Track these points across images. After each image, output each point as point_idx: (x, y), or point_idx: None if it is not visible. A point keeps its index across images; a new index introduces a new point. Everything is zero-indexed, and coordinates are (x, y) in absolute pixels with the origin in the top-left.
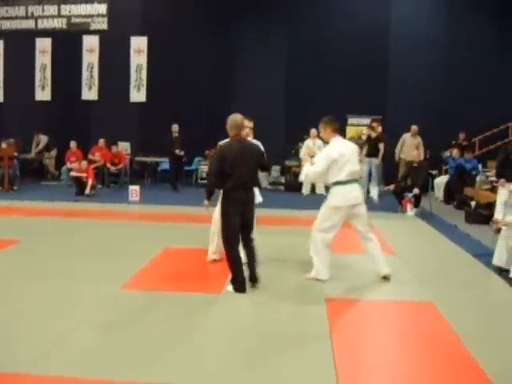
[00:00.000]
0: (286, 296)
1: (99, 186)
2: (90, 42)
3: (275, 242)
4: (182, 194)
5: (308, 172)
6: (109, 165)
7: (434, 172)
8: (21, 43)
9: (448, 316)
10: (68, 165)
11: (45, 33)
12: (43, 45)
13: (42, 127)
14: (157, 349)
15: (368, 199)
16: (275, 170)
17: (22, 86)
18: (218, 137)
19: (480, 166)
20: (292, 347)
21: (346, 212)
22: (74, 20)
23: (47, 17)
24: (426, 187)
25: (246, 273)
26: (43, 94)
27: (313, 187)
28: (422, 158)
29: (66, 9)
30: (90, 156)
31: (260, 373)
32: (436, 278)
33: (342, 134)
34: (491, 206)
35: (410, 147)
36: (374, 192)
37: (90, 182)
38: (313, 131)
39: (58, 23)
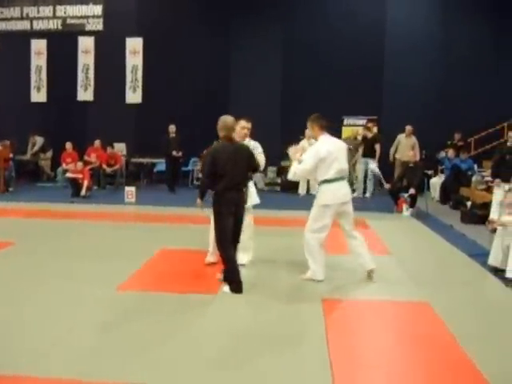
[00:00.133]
0: (282, 296)
1: (95, 188)
2: (86, 43)
3: (271, 243)
4: (178, 195)
5: (296, 170)
6: (105, 166)
7: (429, 172)
8: (16, 44)
9: (444, 316)
10: (64, 166)
11: (40, 34)
12: (38, 46)
13: (37, 128)
14: (153, 350)
15: (364, 199)
16: (271, 170)
17: (18, 88)
18: (214, 138)
19: (476, 166)
20: (288, 347)
21: (335, 210)
22: (69, 21)
23: (42, 18)
24: (422, 187)
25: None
26: (39, 95)
27: (308, 188)
28: (417, 158)
29: (61, 10)
30: (86, 157)
31: (256, 373)
32: (432, 278)
33: (338, 134)
34: (487, 205)
35: (406, 147)
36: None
37: (85, 183)
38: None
39: (54, 24)
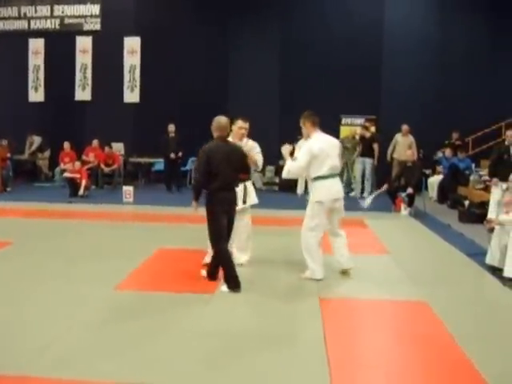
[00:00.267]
0: (280, 296)
1: (93, 187)
2: (84, 43)
3: (269, 243)
4: (176, 195)
5: (290, 168)
6: (102, 166)
7: (427, 171)
8: (13, 44)
9: (442, 316)
10: (62, 166)
11: (38, 33)
12: (36, 45)
13: (35, 128)
14: (151, 349)
15: (361, 198)
16: (269, 170)
17: (15, 87)
18: (212, 137)
19: (473, 165)
20: (286, 347)
21: (328, 207)
22: (66, 20)
23: (40, 17)
24: (420, 187)
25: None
26: (36, 95)
27: (306, 187)
28: (415, 157)
29: (58, 9)
30: (84, 157)
31: (253, 372)
32: (430, 277)
33: (336, 133)
34: (484, 205)
35: (403, 147)
36: (368, 197)
37: (83, 182)
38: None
39: (51, 24)
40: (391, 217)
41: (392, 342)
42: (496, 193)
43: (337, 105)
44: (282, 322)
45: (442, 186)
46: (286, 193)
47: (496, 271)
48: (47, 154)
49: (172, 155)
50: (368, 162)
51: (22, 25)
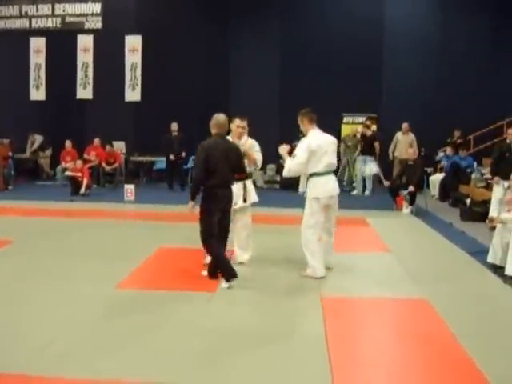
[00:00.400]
0: (282, 294)
1: (94, 186)
2: (85, 42)
3: (271, 241)
4: (178, 193)
5: (290, 166)
6: (104, 164)
7: (429, 170)
8: (15, 43)
9: (444, 314)
10: (63, 164)
11: (39, 32)
12: (37, 44)
13: (36, 127)
14: (152, 347)
15: (363, 196)
16: (270, 168)
17: (17, 86)
18: (210, 135)
19: (475, 163)
20: (287, 345)
21: (324, 203)
22: (68, 19)
23: (41, 16)
24: (422, 185)
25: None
26: (38, 93)
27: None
28: (416, 155)
29: (60, 8)
30: (85, 155)
31: (254, 371)
32: (432, 275)
33: (337, 132)
34: (486, 203)
35: (404, 145)
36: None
37: (85, 181)
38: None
39: (52, 22)
40: (393, 215)
41: (393, 340)
42: (498, 191)
43: (338, 103)
44: (283, 320)
45: (443, 185)
46: (287, 191)
47: (498, 269)
48: (48, 152)
49: (171, 157)
50: (369, 160)
51: (23, 23)
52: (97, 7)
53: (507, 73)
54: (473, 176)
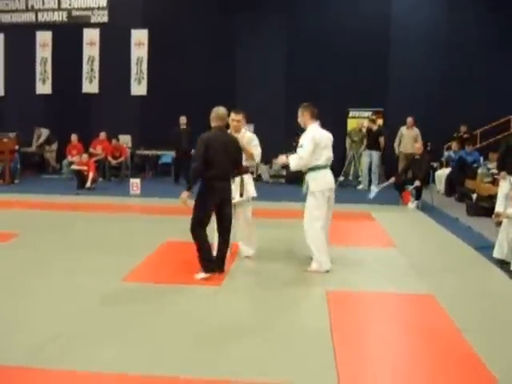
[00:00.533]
0: (286, 288)
1: (100, 180)
2: (91, 35)
3: (276, 235)
4: (183, 187)
5: (301, 154)
6: (110, 158)
7: (435, 165)
8: (21, 36)
9: (449, 309)
10: (69, 158)
11: (45, 26)
12: (44, 38)
13: (42, 121)
14: (157, 340)
15: (368, 191)
16: (276, 163)
17: (23, 80)
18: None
19: (481, 158)
20: (292, 339)
21: (327, 196)
22: (74, 13)
23: (47, 10)
24: (428, 180)
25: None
26: (44, 87)
27: None
28: (422, 149)
29: (66, 2)
30: (91, 149)
31: (259, 365)
32: (437, 270)
33: (343, 126)
34: (492, 198)
35: (408, 140)
36: (374, 189)
37: (90, 175)
38: None
39: (59, 16)
40: (398, 210)
41: (398, 335)
42: (504, 186)
43: (344, 98)
44: (288, 314)
45: (449, 179)
46: (292, 185)
47: (504, 265)
48: (55, 146)
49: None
50: (375, 154)
51: (29, 17)
52: (103, 1)
53: None
54: (479, 171)
